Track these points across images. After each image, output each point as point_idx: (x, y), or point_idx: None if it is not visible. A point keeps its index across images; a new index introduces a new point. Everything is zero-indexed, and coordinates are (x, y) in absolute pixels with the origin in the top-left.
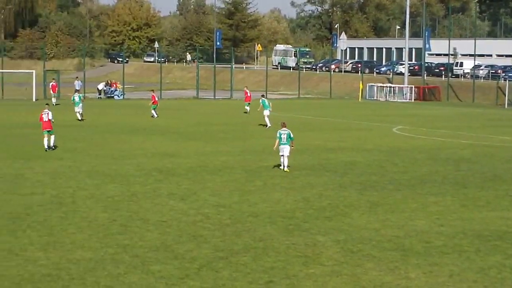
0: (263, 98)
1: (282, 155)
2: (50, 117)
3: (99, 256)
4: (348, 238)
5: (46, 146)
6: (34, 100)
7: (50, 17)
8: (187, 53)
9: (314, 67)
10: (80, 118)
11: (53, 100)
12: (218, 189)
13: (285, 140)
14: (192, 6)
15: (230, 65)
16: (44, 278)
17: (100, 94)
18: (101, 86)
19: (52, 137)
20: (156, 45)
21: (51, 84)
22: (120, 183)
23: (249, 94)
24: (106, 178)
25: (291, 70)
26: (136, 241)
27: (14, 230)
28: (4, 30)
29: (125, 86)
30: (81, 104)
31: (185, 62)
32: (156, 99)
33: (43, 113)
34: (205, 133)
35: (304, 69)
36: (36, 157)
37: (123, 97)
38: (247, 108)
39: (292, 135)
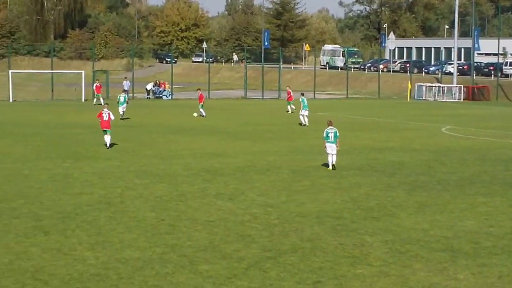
0: (303, 97)
1: (328, 153)
2: (111, 117)
3: (147, 255)
4: (396, 239)
5: (107, 143)
6: (83, 100)
7: (99, 18)
8: (234, 53)
9: (362, 67)
10: (121, 117)
11: (100, 100)
12: (265, 189)
13: (332, 138)
14: (240, 7)
15: (278, 65)
16: (93, 278)
17: (148, 94)
18: (149, 86)
19: (110, 136)
20: (204, 45)
21: (95, 84)
22: (168, 183)
23: (291, 94)
24: (154, 178)
25: (339, 70)
26: (184, 240)
27: (64, 229)
28: (54, 31)
29: (173, 86)
30: (125, 104)
31: (232, 62)
32: (203, 97)
33: (103, 112)
34: (253, 133)
35: (352, 69)
36: (85, 157)
37: (171, 97)
38: (289, 107)
39: (338, 134)
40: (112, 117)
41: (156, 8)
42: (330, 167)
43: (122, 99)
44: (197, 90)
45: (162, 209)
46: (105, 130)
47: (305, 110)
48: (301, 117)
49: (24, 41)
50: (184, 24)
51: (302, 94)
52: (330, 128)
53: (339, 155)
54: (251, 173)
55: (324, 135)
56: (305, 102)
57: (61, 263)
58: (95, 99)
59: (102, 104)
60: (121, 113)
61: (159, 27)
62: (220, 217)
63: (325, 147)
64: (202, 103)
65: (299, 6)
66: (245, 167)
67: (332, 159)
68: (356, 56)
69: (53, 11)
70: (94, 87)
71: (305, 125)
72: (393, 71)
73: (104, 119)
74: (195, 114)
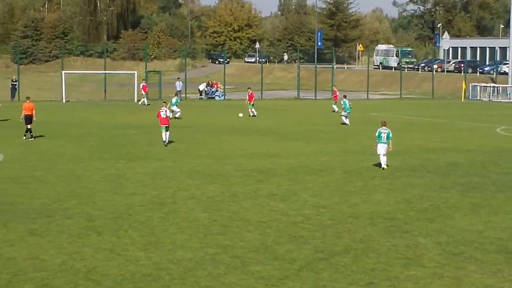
0: (345, 99)
1: (379, 154)
2: (168, 114)
3: (199, 256)
4: (450, 240)
5: (165, 140)
6: (135, 101)
7: (152, 19)
8: (285, 53)
9: (416, 67)
10: (171, 116)
11: (145, 100)
12: (318, 189)
13: (384, 139)
14: (293, 6)
15: (331, 65)
16: (145, 278)
17: (201, 95)
18: (202, 86)
19: (168, 133)
20: (257, 45)
21: (141, 84)
22: (221, 183)
23: (337, 94)
24: (207, 178)
25: (393, 70)
26: (236, 241)
27: (116, 230)
28: (107, 32)
29: (226, 87)
30: (175, 106)
31: (282, 62)
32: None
33: (161, 110)
34: (305, 134)
35: (406, 69)
36: (137, 158)
37: (224, 98)
38: (334, 107)
39: (391, 135)
40: (169, 114)
41: (209, 8)
42: (384, 166)
43: (174, 100)
44: (248, 89)
45: (215, 209)
46: (165, 127)
47: (347, 112)
48: (343, 118)
49: (77, 42)
50: (237, 24)
51: (345, 97)
52: (383, 129)
53: (392, 156)
54: (304, 173)
55: (377, 134)
56: (347, 104)
57: (113, 263)
58: (141, 99)
59: (146, 104)
60: (173, 113)
61: (212, 28)
62: (273, 218)
63: (376, 147)
64: (252, 102)
65: (352, 6)
66: (298, 167)
67: (383, 160)
68: (410, 56)
69: (106, 12)
70: (141, 87)
71: (347, 124)
72: (447, 71)
73: (162, 116)
74: (240, 115)
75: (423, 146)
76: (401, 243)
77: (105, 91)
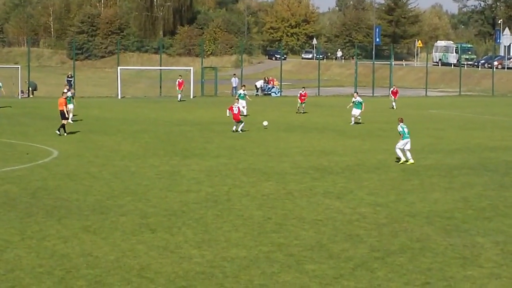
0: (402, 124)
1: (404, 149)
2: (241, 109)
3: (253, 254)
4: (509, 240)
5: (239, 129)
6: (191, 97)
7: (208, 14)
8: (338, 50)
9: (476, 63)
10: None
11: (179, 96)
12: (375, 187)
13: (407, 134)
14: (351, 2)
15: (389, 62)
16: (198, 276)
17: (257, 91)
18: (259, 83)
19: (242, 124)
20: (314, 41)
21: (177, 80)
22: (276, 181)
23: (395, 90)
24: (262, 176)
25: (452, 67)
26: (291, 239)
27: (170, 227)
28: (163, 27)
29: (282, 83)
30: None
31: (335, 58)
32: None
33: (233, 106)
34: (363, 131)
35: (465, 65)
36: (192, 155)
37: (280, 94)
38: (394, 104)
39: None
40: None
41: (266, 4)
42: (411, 161)
43: (242, 93)
44: (302, 88)
45: (269, 207)
46: (237, 122)
47: (357, 110)
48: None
49: (133, 38)
50: (294, 20)
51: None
52: (403, 124)
53: (451, 154)
54: (360, 171)
55: (401, 130)
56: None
57: (167, 261)
58: (179, 95)
59: (179, 100)
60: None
61: (269, 23)
62: (328, 216)
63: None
64: (303, 102)
65: (411, 1)
66: (354, 165)
67: (408, 154)
68: (469, 53)
69: (162, 8)
70: (177, 83)
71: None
72: (508, 68)
73: (234, 112)
74: (265, 123)
75: (482, 144)
76: (458, 242)
77: (160, 87)
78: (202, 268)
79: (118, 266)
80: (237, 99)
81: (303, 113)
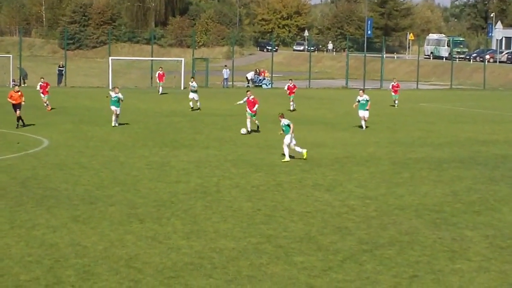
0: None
1: (291, 145)
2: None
3: (242, 245)
4: (498, 234)
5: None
6: (182, 88)
7: (200, 5)
8: (330, 42)
9: (467, 57)
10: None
11: (160, 89)
12: (364, 180)
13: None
14: None
15: (380, 55)
16: (187, 267)
17: (248, 83)
18: (250, 75)
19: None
20: (306, 33)
21: (158, 72)
22: (266, 172)
23: (395, 84)
24: (252, 167)
25: (444, 60)
26: (280, 231)
27: (159, 217)
28: (154, 18)
29: (273, 75)
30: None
31: (326, 50)
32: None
33: (249, 98)
34: (353, 124)
35: (457, 59)
36: (182, 146)
37: (271, 86)
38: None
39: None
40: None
41: None
42: (304, 151)
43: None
44: (289, 80)
45: (259, 199)
46: (252, 114)
47: (364, 111)
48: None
49: (125, 28)
50: (286, 12)
51: (362, 91)
52: (284, 121)
53: (441, 147)
54: (350, 164)
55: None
56: (365, 99)
57: (155, 251)
58: (160, 88)
59: (160, 92)
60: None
61: (261, 15)
62: (317, 208)
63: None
64: (292, 95)
65: None
66: (344, 158)
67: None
68: (461, 46)
69: None
70: (157, 75)
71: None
72: (500, 62)
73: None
74: (243, 131)
75: (472, 138)
76: (447, 236)
77: (151, 78)
78: (190, 259)
79: (107, 256)
80: (249, 91)
81: (293, 110)
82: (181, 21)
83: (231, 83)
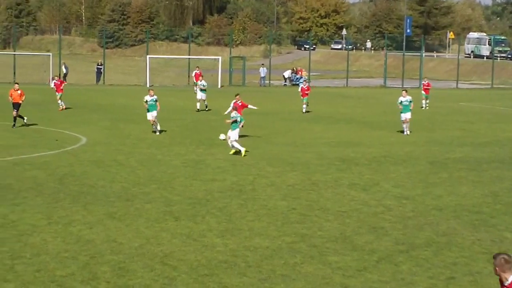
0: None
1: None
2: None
3: (276, 244)
4: None
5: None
6: (219, 86)
7: (238, 4)
8: (368, 40)
9: (509, 56)
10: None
11: (195, 88)
12: (401, 180)
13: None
14: None
15: (419, 53)
16: (221, 265)
17: (285, 82)
18: (287, 73)
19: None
20: (344, 32)
21: (194, 72)
22: (301, 171)
23: (426, 83)
24: (287, 166)
25: (485, 59)
26: (315, 230)
27: (194, 215)
28: (192, 17)
29: (310, 74)
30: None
31: (364, 49)
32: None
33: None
34: (390, 123)
35: (498, 58)
36: (218, 144)
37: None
38: (423, 102)
39: None
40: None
41: None
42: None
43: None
44: (304, 82)
45: (294, 197)
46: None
47: (407, 114)
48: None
49: (163, 27)
50: (323, 10)
51: (406, 92)
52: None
53: (481, 147)
54: (387, 163)
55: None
56: (408, 100)
57: (190, 249)
58: (196, 87)
59: (196, 92)
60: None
61: (298, 13)
62: (353, 208)
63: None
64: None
65: None
66: (381, 157)
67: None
68: (503, 45)
69: None
70: (194, 75)
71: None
72: None
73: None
74: (221, 137)
75: None
76: (485, 237)
77: (188, 76)
78: (224, 257)
79: (142, 253)
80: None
81: (306, 112)
82: (219, 20)
83: (268, 81)
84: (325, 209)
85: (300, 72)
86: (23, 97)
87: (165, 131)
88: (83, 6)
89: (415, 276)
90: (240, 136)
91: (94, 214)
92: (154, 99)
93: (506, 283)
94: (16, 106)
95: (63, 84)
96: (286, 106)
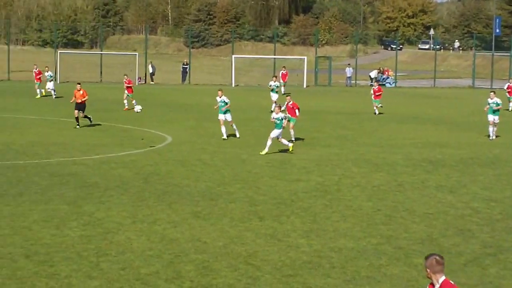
0: (491, 99)
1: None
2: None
3: (361, 245)
4: None
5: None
6: (304, 86)
7: (324, 4)
8: (456, 40)
9: None
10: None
11: (282, 89)
12: (489, 182)
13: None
14: None
15: (509, 54)
16: (305, 265)
17: (372, 82)
18: (373, 73)
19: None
20: (431, 32)
21: (281, 72)
22: (387, 172)
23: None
24: (373, 167)
25: None
26: (400, 232)
27: (278, 215)
28: (278, 16)
29: (397, 74)
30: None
31: (452, 49)
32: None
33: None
34: (479, 124)
35: None
36: (302, 144)
37: (395, 85)
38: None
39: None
40: None
41: None
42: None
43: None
44: (375, 82)
45: (379, 199)
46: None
47: (494, 116)
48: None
49: (248, 27)
50: (411, 10)
51: (494, 93)
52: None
53: None
54: (475, 165)
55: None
56: (496, 102)
57: (274, 249)
58: (282, 89)
59: (283, 93)
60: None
61: (385, 13)
62: (440, 210)
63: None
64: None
65: None
66: (469, 159)
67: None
68: None
69: None
70: (280, 75)
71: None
72: None
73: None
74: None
75: None
76: None
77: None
78: (309, 258)
79: (226, 252)
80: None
81: (379, 114)
82: (305, 20)
83: (354, 81)
84: (411, 211)
85: (386, 72)
86: (86, 97)
87: (249, 120)
88: (169, 6)
89: (503, 280)
90: (325, 137)
91: (179, 213)
92: (223, 101)
93: (436, 286)
94: (79, 106)
95: (131, 84)
96: (372, 107)
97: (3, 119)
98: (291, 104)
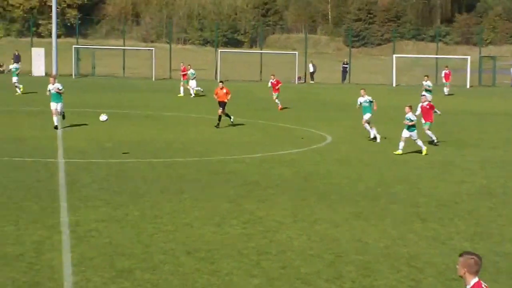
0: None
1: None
2: None
3: None
4: None
5: None
6: (467, 87)
7: (488, 2)
8: None
9: None
10: None
11: (445, 90)
12: None
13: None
14: None
15: None
16: None
17: None
18: None
19: None
20: None
21: (444, 72)
22: None
23: None
24: None
25: None
26: None
27: (441, 217)
28: (440, 15)
29: None
30: None
31: None
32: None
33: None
34: None
35: None
36: (467, 145)
37: None
38: None
39: None
40: None
41: None
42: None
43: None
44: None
45: None
46: None
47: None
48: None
49: (410, 25)
50: None
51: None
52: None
53: None
54: None
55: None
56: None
57: (436, 251)
58: (445, 89)
59: (446, 93)
60: None
61: None
62: None
63: None
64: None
65: None
66: None
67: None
68: None
69: None
70: (443, 75)
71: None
72: None
73: None
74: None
75: None
76: None
77: (436, 76)
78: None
79: (387, 253)
80: None
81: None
82: (468, 18)
83: None
84: None
85: None
86: (229, 96)
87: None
88: (329, 5)
89: None
90: (490, 138)
91: (339, 213)
92: (368, 100)
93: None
94: (222, 104)
95: (279, 84)
96: None
97: (165, 117)
98: (426, 105)
